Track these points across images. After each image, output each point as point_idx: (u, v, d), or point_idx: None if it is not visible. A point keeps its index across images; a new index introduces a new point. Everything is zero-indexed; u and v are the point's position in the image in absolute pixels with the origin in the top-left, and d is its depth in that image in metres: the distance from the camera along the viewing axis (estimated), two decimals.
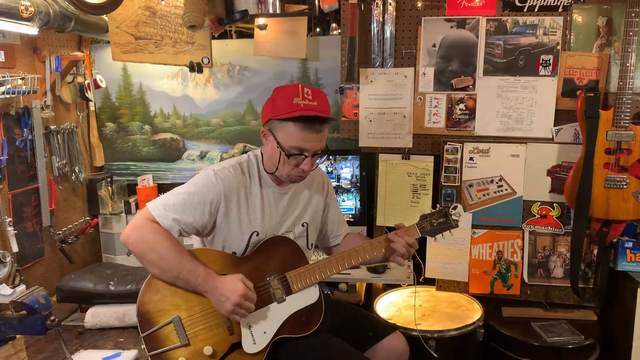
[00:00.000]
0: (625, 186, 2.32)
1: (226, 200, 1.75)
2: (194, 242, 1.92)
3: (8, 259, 2.33)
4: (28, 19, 2.32)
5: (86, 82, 3.11)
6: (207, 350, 1.70)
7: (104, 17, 2.82)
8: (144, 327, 1.71)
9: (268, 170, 1.82)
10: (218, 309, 1.69)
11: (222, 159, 3.20)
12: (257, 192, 1.82)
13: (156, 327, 1.70)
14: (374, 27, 2.64)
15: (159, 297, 1.72)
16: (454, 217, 1.88)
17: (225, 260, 1.77)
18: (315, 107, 1.71)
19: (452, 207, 1.90)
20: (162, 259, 1.65)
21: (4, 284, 2.04)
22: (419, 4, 2.61)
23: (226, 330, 1.73)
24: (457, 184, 2.64)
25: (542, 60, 2.53)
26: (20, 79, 2.56)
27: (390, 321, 2.43)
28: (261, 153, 1.86)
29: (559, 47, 2.51)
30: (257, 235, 1.81)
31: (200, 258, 1.72)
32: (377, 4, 2.60)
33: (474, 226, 2.64)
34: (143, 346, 1.72)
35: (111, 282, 2.58)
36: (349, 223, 2.89)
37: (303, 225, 1.93)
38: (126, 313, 2.52)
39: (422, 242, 2.67)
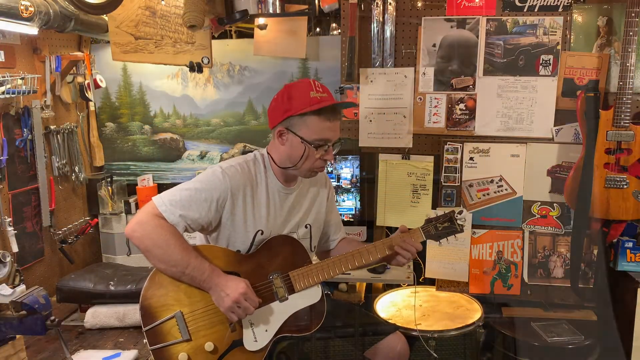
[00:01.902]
0: (625, 186, 2.32)
1: (232, 197, 1.75)
2: (197, 239, 1.92)
3: (8, 259, 2.32)
4: (28, 19, 2.32)
5: (86, 82, 3.11)
6: (209, 346, 1.70)
7: (104, 17, 2.82)
8: (146, 322, 1.71)
9: (284, 166, 1.81)
10: (218, 306, 1.69)
11: (222, 159, 3.20)
12: (263, 191, 1.82)
13: (158, 322, 1.70)
14: (374, 27, 2.64)
15: (162, 292, 1.72)
16: (459, 221, 1.87)
17: (229, 257, 1.78)
18: (330, 98, 1.76)
19: (457, 211, 1.89)
20: (168, 255, 1.65)
21: (4, 284, 2.04)
22: (419, 4, 2.61)
23: (228, 327, 1.74)
24: (457, 184, 2.64)
25: (542, 60, 2.53)
26: (20, 79, 2.56)
27: (390, 321, 2.43)
28: (268, 153, 1.86)
29: (559, 47, 2.51)
30: (262, 234, 1.81)
31: (205, 255, 1.72)
32: (377, 4, 2.60)
33: (474, 226, 2.64)
34: (145, 340, 1.72)
35: (111, 282, 2.58)
36: (349, 223, 2.91)
37: (306, 227, 1.93)
38: (126, 313, 2.52)
39: (422, 242, 2.68)
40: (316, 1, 2.73)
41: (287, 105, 1.74)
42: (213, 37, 2.88)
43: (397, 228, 1.90)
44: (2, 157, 2.53)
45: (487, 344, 2.53)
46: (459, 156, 2.62)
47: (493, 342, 2.54)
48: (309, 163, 1.77)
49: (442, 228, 1.86)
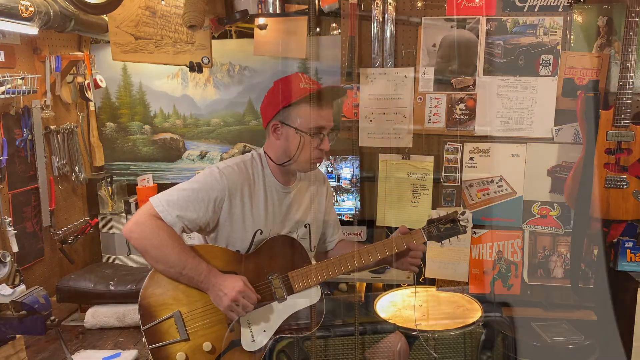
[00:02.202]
0: (625, 186, 2.32)
1: (230, 197, 1.75)
2: (195, 239, 1.92)
3: (8, 259, 2.32)
4: (28, 19, 2.32)
5: (86, 82, 3.11)
6: (207, 346, 1.70)
7: (104, 17, 2.82)
8: (145, 321, 1.72)
9: (281, 161, 1.81)
10: (217, 305, 1.70)
11: (222, 159, 3.20)
12: (260, 190, 1.82)
13: (157, 321, 1.71)
14: (374, 27, 2.64)
15: (160, 291, 1.72)
16: (461, 222, 1.84)
17: (228, 257, 1.77)
18: (319, 88, 1.78)
19: (460, 212, 1.86)
20: (165, 256, 1.65)
21: (4, 284, 2.04)
22: (419, 4, 2.61)
23: (226, 327, 1.73)
24: (457, 184, 2.64)
25: (542, 60, 2.53)
26: (20, 79, 2.56)
27: (390, 321, 2.42)
28: (264, 152, 1.86)
29: (559, 47, 2.51)
30: (261, 233, 1.80)
31: (204, 255, 1.72)
32: (377, 3, 2.60)
33: (474, 226, 2.64)
34: (144, 339, 1.73)
35: (111, 282, 2.58)
36: (349, 223, 2.91)
37: (306, 227, 1.93)
38: (126, 313, 2.52)
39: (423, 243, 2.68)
40: (316, 1, 2.73)
41: (278, 99, 1.76)
42: (213, 37, 2.88)
43: (397, 228, 1.89)
44: (2, 157, 2.53)
45: (487, 343, 2.53)
46: (459, 156, 2.62)
47: (493, 342, 2.53)
48: (306, 154, 1.77)
49: (444, 229, 1.83)
